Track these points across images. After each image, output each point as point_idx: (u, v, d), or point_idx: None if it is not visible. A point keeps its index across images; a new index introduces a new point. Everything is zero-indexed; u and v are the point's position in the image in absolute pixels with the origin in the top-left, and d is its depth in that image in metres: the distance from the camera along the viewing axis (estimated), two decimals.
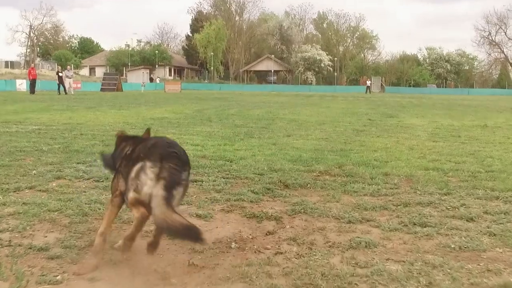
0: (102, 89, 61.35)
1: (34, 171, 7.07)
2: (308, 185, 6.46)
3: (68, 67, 49.74)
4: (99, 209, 5.18)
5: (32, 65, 50.51)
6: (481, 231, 4.55)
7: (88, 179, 6.69)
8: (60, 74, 44.37)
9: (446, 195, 5.97)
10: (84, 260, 3.76)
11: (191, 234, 3.26)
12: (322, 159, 8.41)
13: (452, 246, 4.14)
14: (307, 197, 5.88)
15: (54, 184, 6.30)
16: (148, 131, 4.06)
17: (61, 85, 43.32)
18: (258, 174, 7.11)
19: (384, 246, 4.16)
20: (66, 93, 42.30)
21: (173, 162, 3.49)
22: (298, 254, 3.95)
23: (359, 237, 4.33)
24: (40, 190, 5.98)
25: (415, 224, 4.75)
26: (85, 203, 5.39)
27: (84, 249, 4.00)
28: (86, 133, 12.16)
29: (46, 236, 4.32)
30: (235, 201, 5.64)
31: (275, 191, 6.14)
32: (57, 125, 14.31)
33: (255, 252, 4.01)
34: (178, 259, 3.87)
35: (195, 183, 6.52)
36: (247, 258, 3.87)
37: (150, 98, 37.51)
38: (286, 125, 15.45)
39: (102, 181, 6.51)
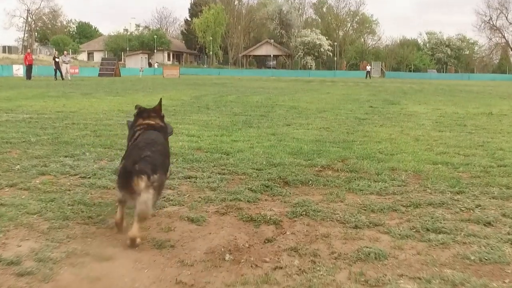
0: (100, 74, 60.82)
1: (17, 166, 6.63)
2: (310, 182, 6.03)
3: (65, 52, 49.22)
4: (82, 211, 4.73)
5: (29, 50, 49.57)
6: (501, 239, 4.11)
7: (74, 175, 6.25)
8: (57, 59, 43.80)
9: (458, 194, 5.54)
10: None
11: None
12: (324, 152, 7.97)
13: (472, 257, 3.71)
14: (309, 196, 5.45)
15: (37, 181, 5.86)
16: (160, 101, 4.99)
17: (58, 70, 42.74)
18: (256, 169, 6.67)
19: (396, 258, 3.73)
20: (62, 79, 41.73)
21: (143, 164, 3.93)
22: (300, 269, 3.50)
23: (367, 247, 3.89)
24: (21, 189, 5.53)
25: (428, 230, 4.31)
26: (68, 204, 4.95)
27: (60, 262, 3.56)
28: (78, 122, 11.71)
29: (19, 246, 3.88)
30: (231, 201, 5.21)
31: (274, 188, 5.71)
32: (49, 113, 13.85)
33: (251, 266, 3.57)
34: (165, 274, 3.43)
35: (188, 179, 6.09)
36: (243, 274, 3.44)
37: (148, 84, 36.99)
38: (285, 113, 15.00)
39: (89, 178, 6.08)
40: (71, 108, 15.38)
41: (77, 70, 63.12)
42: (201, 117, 13.12)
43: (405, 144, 8.93)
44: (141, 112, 4.81)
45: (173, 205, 5.09)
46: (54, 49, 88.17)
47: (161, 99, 5.11)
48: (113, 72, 61.31)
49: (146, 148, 4.16)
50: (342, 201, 5.26)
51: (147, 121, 4.71)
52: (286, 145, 8.70)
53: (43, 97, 20.26)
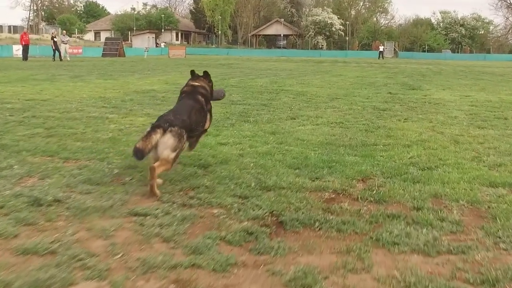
0: (103, 55, 58.72)
1: None
2: (316, 224, 3.98)
3: (64, 31, 47.13)
4: None
5: (25, 29, 47.78)
6: None
7: None
8: (55, 39, 41.73)
9: None
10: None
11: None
12: (337, 164, 5.89)
13: None
14: (314, 257, 3.40)
15: None
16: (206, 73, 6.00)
17: (56, 50, 40.72)
18: (239, 197, 4.64)
19: None
20: (61, 60, 39.72)
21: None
22: None
23: None
24: None
25: None
26: None
27: None
28: (40, 116, 9.70)
29: None
30: (185, 269, 3.17)
31: (260, 239, 3.68)
32: (15, 101, 11.88)
33: None
34: None
35: (134, 217, 4.07)
36: None
37: (149, 65, 34.85)
38: (291, 101, 12.92)
39: None
40: (45, 95, 13.38)
41: (80, 50, 61.23)
42: None
43: (443, 150, 6.83)
44: (192, 76, 5.92)
45: (87, 278, 3.06)
46: (60, 28, 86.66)
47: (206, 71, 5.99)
48: (117, 53, 59.26)
49: (171, 113, 5.25)
50: (368, 271, 3.20)
51: (192, 83, 5.84)
52: (287, 151, 6.63)
53: (26, 81, 18.30)
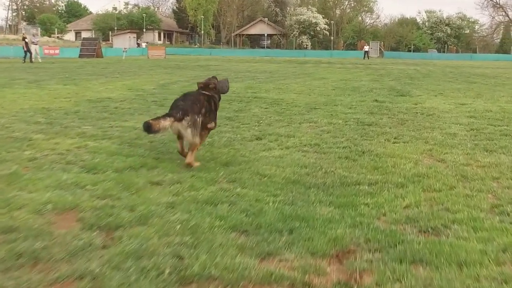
0: (80, 56, 56.50)
1: None
2: None
3: (35, 31, 45.00)
4: None
5: None
6: None
7: None
8: (26, 40, 39.59)
9: None
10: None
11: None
12: (304, 224, 4.09)
13: None
14: None
15: None
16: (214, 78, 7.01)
17: (28, 52, 38.57)
18: None
19: None
20: (31, 61, 37.63)
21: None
22: None
23: None
24: None
25: None
26: None
27: None
28: None
29: None
30: None
31: None
32: None
33: None
34: None
35: None
36: None
37: (122, 67, 32.84)
38: (263, 112, 11.15)
39: None
40: None
41: (57, 51, 59.05)
42: (136, 124, 9.20)
43: (449, 194, 5.05)
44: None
45: None
46: (39, 28, 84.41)
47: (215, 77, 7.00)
48: (95, 53, 57.16)
49: (183, 100, 6.28)
50: None
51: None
52: (238, 196, 4.85)
53: None
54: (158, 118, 5.87)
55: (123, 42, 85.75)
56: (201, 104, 6.23)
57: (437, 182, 5.44)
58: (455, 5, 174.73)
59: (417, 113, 11.46)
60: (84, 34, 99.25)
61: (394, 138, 8.17)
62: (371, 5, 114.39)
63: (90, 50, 58.27)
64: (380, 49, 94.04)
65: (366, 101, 13.80)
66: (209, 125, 6.42)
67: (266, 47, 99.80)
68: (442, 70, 35.97)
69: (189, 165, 5.97)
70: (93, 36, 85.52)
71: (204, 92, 6.52)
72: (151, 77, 22.90)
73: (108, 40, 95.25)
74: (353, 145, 7.52)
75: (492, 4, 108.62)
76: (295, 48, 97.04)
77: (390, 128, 9.25)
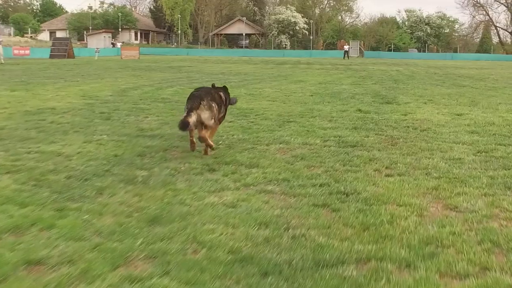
0: (51, 56, 54.29)
1: None
2: None
3: (8, 30, 42.62)
4: None
5: None
6: None
7: None
8: None
9: None
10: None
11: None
12: None
13: None
14: None
15: None
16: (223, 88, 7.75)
17: None
18: None
19: None
20: None
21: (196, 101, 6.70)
22: None
23: None
24: None
25: None
26: None
27: None
28: None
29: None
30: None
31: None
32: None
33: None
34: None
35: None
36: None
37: (89, 69, 30.71)
38: (227, 127, 9.28)
39: None
40: None
41: (27, 51, 56.95)
42: (62, 149, 7.28)
43: None
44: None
45: None
46: (12, 28, 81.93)
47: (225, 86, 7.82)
48: (66, 54, 54.93)
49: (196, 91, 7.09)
50: None
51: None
52: None
53: None
54: (187, 115, 6.51)
55: (98, 42, 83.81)
56: (212, 95, 7.02)
57: (459, 258, 3.62)
58: (434, 5, 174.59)
59: (408, 127, 9.69)
60: (59, 34, 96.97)
61: (386, 168, 6.36)
62: (350, 4, 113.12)
63: (61, 50, 56.21)
64: (360, 48, 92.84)
65: (348, 110, 12.02)
66: (219, 115, 7.10)
67: (245, 46, 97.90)
68: (425, 71, 34.38)
69: (207, 143, 6.84)
70: (67, 36, 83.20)
71: (215, 87, 7.49)
72: (114, 81, 20.95)
73: (83, 40, 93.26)
74: (334, 181, 5.68)
75: (473, 3, 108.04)
76: (274, 48, 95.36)
77: (379, 150, 7.45)
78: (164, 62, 42.99)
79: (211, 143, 6.91)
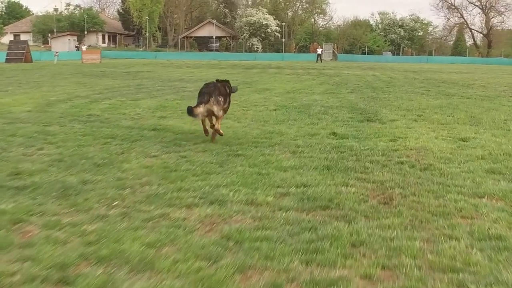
0: (7, 60, 50.98)
1: None
2: None
3: None
4: None
5: None
6: None
7: None
8: None
9: None
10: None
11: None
12: None
13: None
14: None
15: None
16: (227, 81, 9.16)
17: None
18: None
19: None
20: None
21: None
22: None
23: None
24: None
25: None
26: None
27: None
28: None
29: None
30: None
31: None
32: None
33: None
34: None
35: None
36: None
37: (34, 75, 27.51)
38: (138, 172, 6.36)
39: None
40: None
41: None
42: None
43: None
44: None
45: None
46: None
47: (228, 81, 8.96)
48: (23, 58, 51.65)
49: (205, 88, 8.47)
50: None
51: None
52: None
53: None
54: (197, 106, 8.08)
55: (63, 45, 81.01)
56: (219, 90, 8.46)
57: None
58: (407, 7, 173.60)
59: (402, 163, 6.89)
60: (23, 37, 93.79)
61: (383, 269, 3.52)
62: (323, 6, 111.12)
63: (18, 54, 52.92)
64: (333, 51, 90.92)
65: (320, 134, 9.19)
66: (224, 106, 8.54)
67: (215, 50, 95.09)
68: (404, 76, 31.83)
69: (217, 131, 8.43)
70: (31, 39, 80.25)
71: (219, 80, 8.95)
72: (49, 91, 17.90)
73: (47, 43, 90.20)
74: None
75: (447, 5, 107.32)
76: (245, 51, 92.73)
77: (365, 218, 4.61)
78: (124, 67, 39.79)
79: (221, 132, 8.51)
